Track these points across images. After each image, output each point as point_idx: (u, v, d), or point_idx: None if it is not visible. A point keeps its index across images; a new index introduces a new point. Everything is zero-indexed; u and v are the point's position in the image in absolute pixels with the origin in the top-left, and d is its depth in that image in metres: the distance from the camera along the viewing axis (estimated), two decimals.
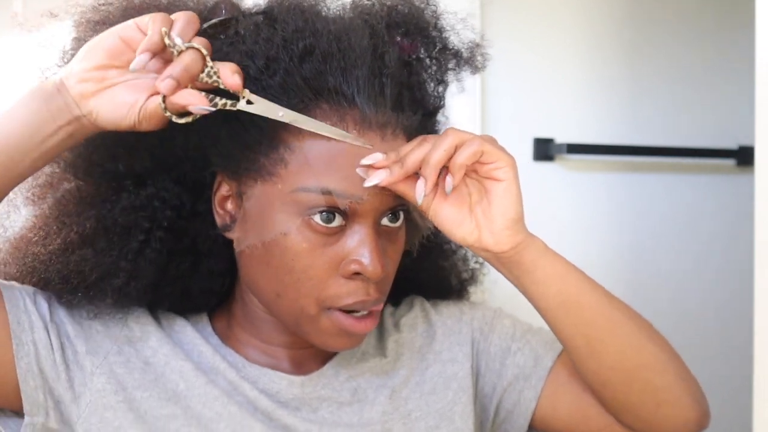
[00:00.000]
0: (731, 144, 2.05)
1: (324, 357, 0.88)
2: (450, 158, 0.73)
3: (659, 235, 2.03)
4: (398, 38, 0.82)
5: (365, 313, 0.78)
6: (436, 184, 0.76)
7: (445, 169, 0.74)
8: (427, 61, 0.84)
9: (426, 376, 0.90)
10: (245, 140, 0.76)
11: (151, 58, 0.69)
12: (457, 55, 0.86)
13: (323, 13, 0.80)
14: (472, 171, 0.76)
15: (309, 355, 0.87)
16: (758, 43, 1.09)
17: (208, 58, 0.70)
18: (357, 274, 0.76)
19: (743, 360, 1.48)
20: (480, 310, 0.95)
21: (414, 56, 0.83)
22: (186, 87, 0.69)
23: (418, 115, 0.80)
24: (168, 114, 0.70)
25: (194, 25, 0.70)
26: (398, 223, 0.79)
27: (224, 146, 0.77)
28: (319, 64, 0.75)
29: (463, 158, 0.73)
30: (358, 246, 0.75)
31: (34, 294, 0.80)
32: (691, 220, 2.05)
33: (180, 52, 0.69)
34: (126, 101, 0.70)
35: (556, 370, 0.90)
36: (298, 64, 0.75)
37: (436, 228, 0.81)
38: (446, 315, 0.94)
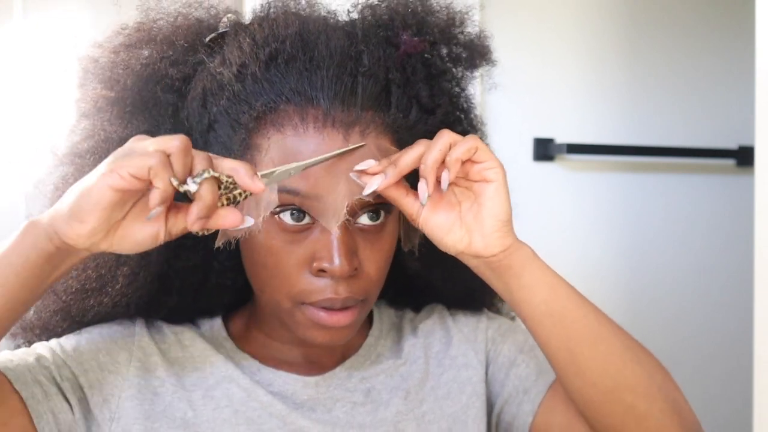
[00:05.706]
0: (731, 144, 2.05)
1: (339, 357, 0.89)
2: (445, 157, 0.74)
3: (659, 235, 2.03)
4: (404, 35, 0.82)
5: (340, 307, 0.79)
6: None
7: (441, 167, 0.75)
8: (431, 58, 0.84)
9: (441, 381, 0.91)
10: (224, 144, 0.78)
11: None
12: (467, 47, 0.87)
13: (295, 19, 0.80)
14: (462, 177, 0.77)
15: (323, 352, 0.88)
16: (758, 44, 1.10)
17: (220, 176, 0.67)
18: (324, 271, 0.76)
19: (743, 359, 1.48)
20: (497, 321, 0.96)
21: (416, 53, 0.83)
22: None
23: (413, 113, 0.80)
24: (201, 234, 0.69)
25: (189, 149, 0.66)
26: (379, 222, 0.79)
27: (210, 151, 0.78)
28: (283, 67, 0.77)
29: (458, 153, 0.73)
30: (325, 244, 0.76)
31: (36, 359, 0.80)
32: (691, 220, 2.05)
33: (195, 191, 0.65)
34: (147, 237, 0.68)
35: (556, 389, 0.89)
36: (264, 70, 0.77)
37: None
38: (463, 323, 0.95)
